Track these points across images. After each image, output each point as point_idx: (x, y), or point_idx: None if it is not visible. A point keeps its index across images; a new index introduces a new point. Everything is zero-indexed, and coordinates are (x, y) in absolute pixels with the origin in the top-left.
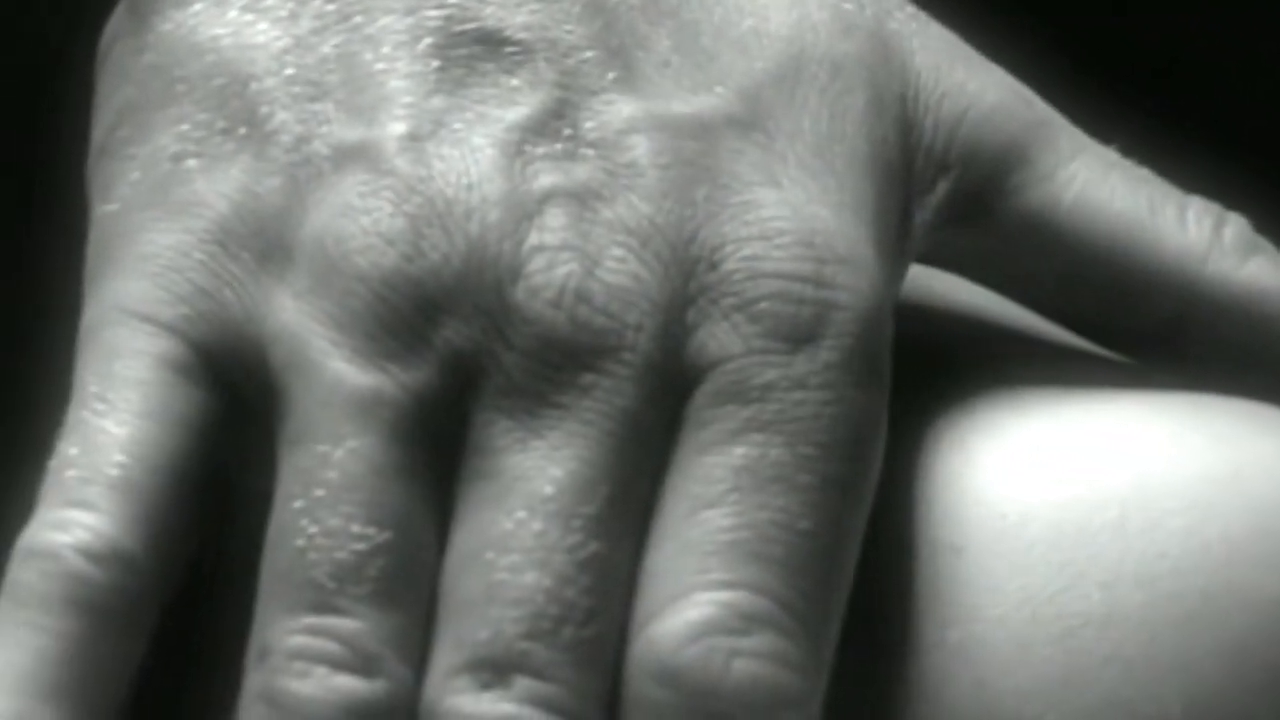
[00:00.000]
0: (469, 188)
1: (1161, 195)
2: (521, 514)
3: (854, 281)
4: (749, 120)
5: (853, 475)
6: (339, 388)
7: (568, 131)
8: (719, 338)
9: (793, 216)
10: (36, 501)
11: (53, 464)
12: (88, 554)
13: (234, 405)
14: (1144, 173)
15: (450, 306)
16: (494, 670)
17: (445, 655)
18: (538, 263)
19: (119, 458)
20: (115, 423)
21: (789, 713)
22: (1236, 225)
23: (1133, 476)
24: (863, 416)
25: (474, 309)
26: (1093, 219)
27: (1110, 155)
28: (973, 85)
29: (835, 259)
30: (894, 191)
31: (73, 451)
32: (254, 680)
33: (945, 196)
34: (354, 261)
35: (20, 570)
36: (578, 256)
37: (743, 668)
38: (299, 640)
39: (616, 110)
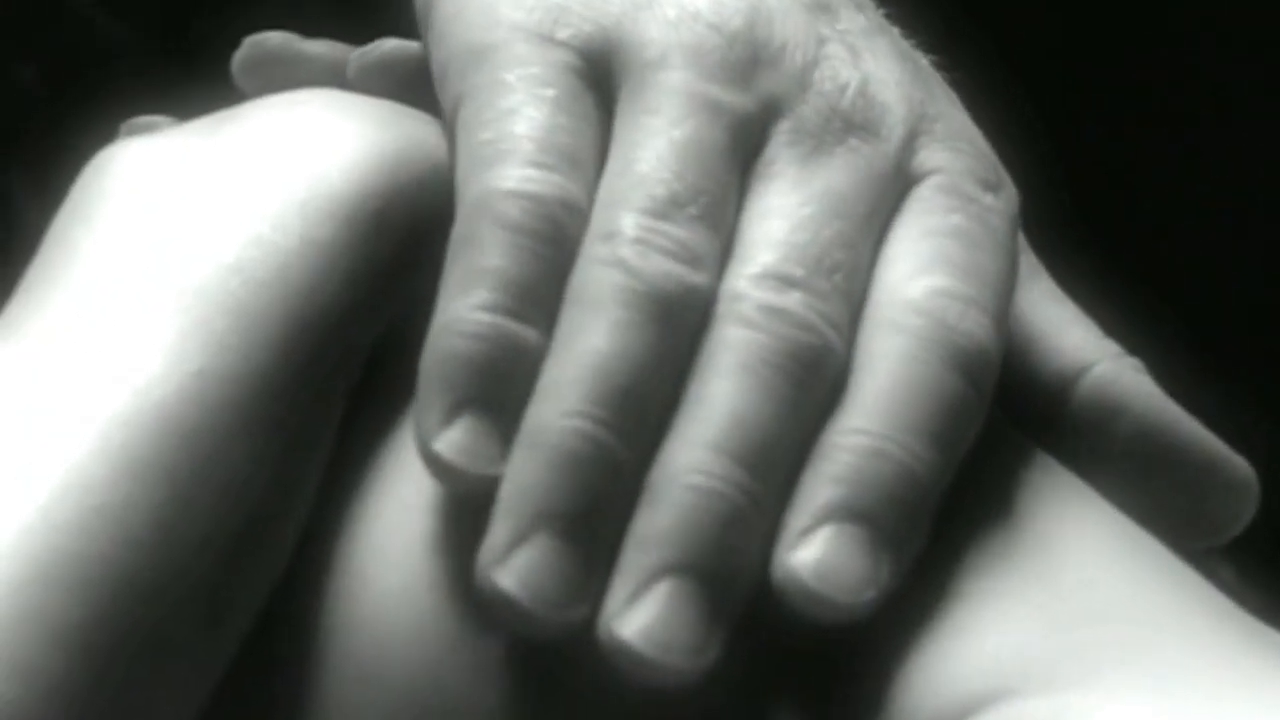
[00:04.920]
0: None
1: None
2: (797, 198)
3: (1010, 185)
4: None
5: (1013, 267)
6: (691, 86)
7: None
8: (938, 157)
9: (978, 135)
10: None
11: (485, 147)
12: (564, 204)
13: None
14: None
15: (771, 66)
16: (786, 282)
17: (747, 267)
18: (829, 68)
19: (561, 139)
20: (545, 113)
21: (990, 372)
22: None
23: None
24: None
25: (785, 74)
26: None
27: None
28: None
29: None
30: None
31: (514, 130)
32: (600, 251)
33: None
34: (708, 17)
35: (503, 203)
36: (855, 74)
37: (971, 320)
38: (644, 230)
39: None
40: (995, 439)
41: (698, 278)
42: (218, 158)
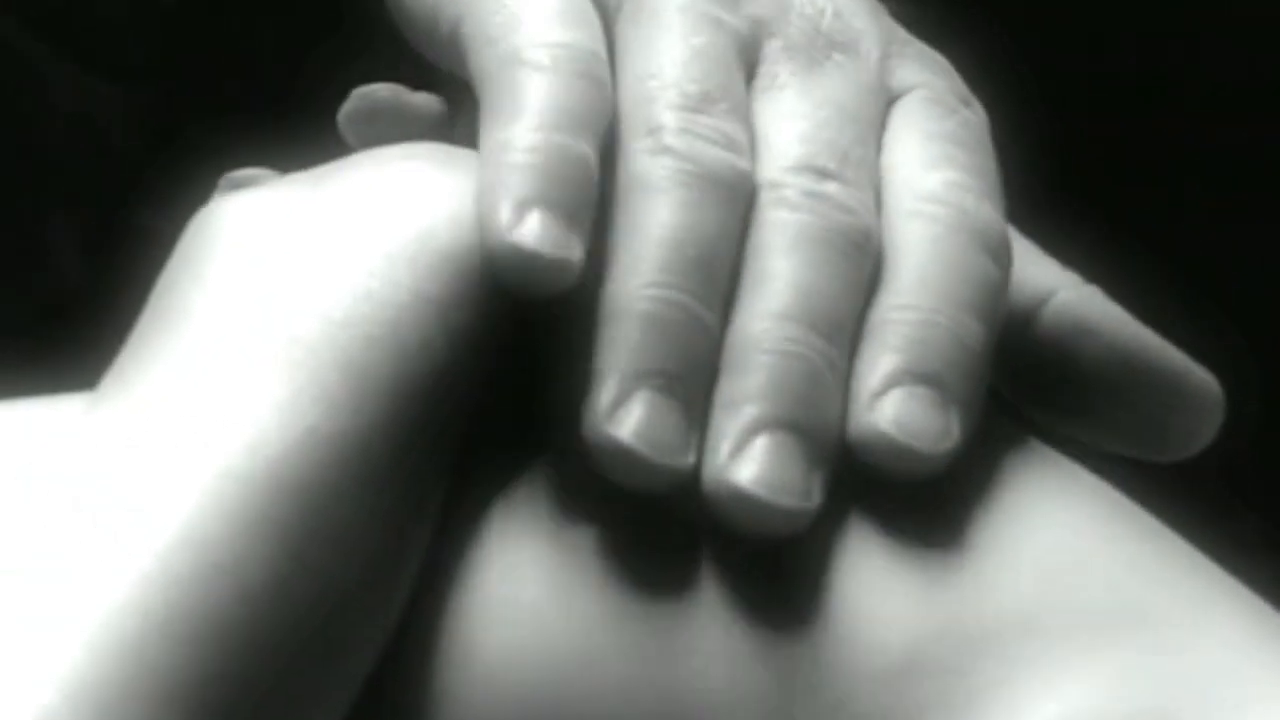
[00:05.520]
0: None
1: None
2: (810, 104)
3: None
4: None
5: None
6: (694, 4)
7: None
8: (916, 75)
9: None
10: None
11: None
12: (596, 55)
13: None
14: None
15: None
16: (821, 173)
17: (780, 160)
18: None
19: (574, 12)
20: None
21: (1008, 253)
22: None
23: None
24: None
25: (771, 2)
26: None
27: None
28: None
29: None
30: None
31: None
32: (646, 144)
33: None
34: None
35: (535, 52)
36: (828, 2)
37: (986, 208)
38: (686, 122)
39: None
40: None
41: (743, 164)
42: (325, 212)
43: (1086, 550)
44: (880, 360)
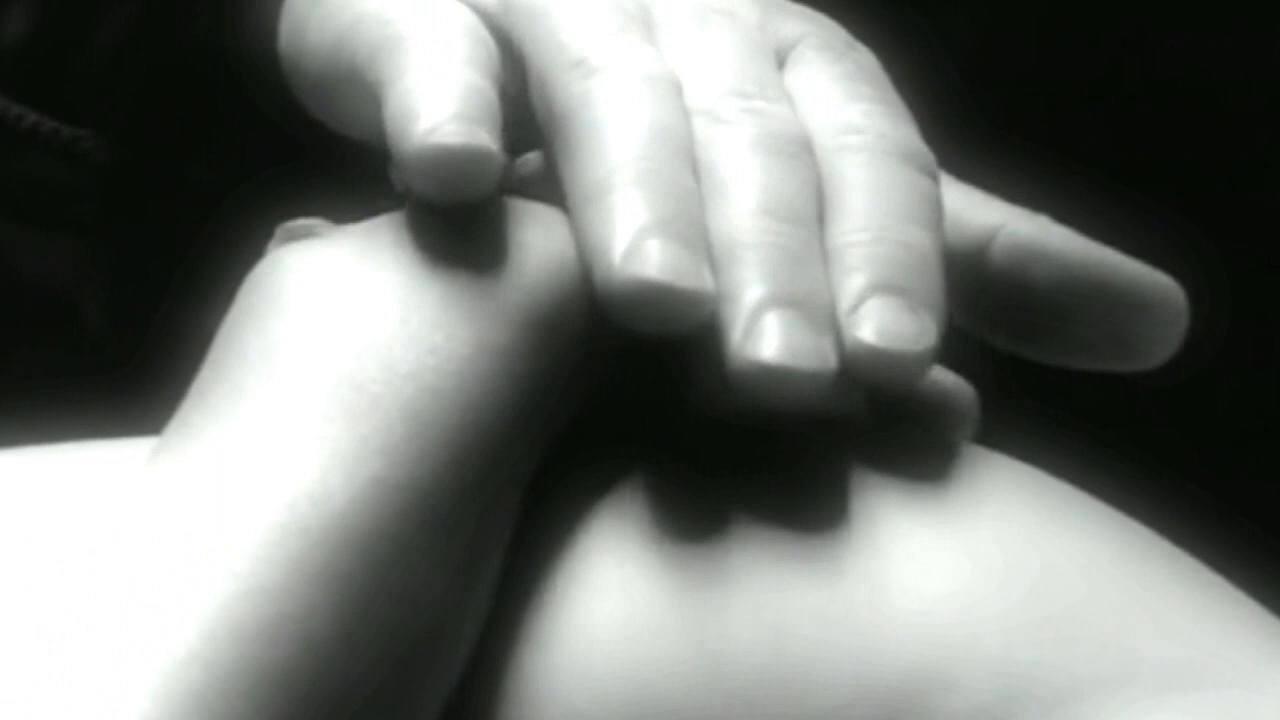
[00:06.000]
0: None
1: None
2: (716, 49)
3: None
4: None
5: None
6: None
7: None
8: (799, 27)
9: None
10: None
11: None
12: None
13: None
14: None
15: None
16: (745, 95)
17: (712, 88)
18: None
19: None
20: None
21: (935, 167)
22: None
23: None
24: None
25: None
26: None
27: None
28: None
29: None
30: None
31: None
32: (577, 72)
33: None
34: None
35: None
36: None
37: (904, 129)
38: (611, 51)
39: None
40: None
41: (669, 72)
42: (387, 264)
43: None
44: (846, 282)
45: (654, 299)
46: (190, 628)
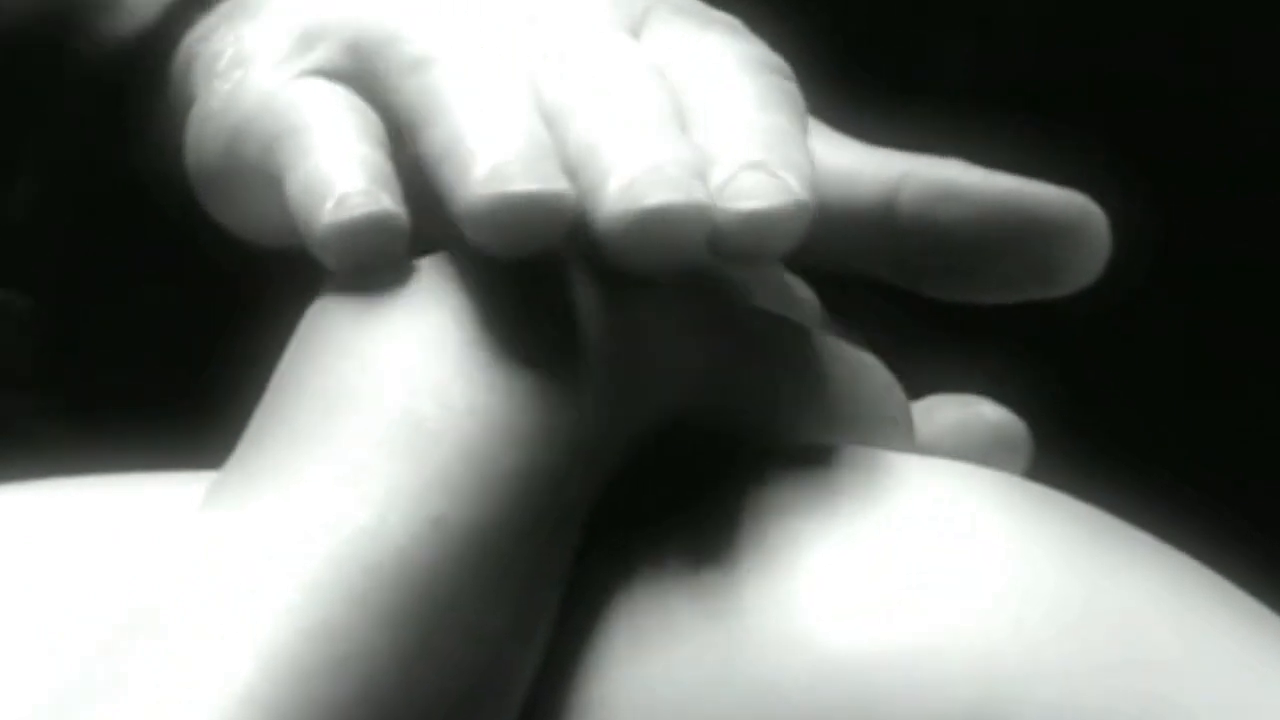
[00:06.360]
0: None
1: None
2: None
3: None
4: None
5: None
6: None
7: None
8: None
9: None
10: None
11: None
12: None
13: None
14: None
15: None
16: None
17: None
18: None
19: None
20: None
21: (789, 72)
22: None
23: None
24: None
25: None
26: None
27: None
28: None
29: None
30: None
31: None
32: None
33: None
34: None
35: None
36: None
37: (756, 43)
38: (447, 42)
39: None
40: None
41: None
42: (441, 301)
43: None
44: (711, 172)
45: (516, 208)
46: (250, 666)
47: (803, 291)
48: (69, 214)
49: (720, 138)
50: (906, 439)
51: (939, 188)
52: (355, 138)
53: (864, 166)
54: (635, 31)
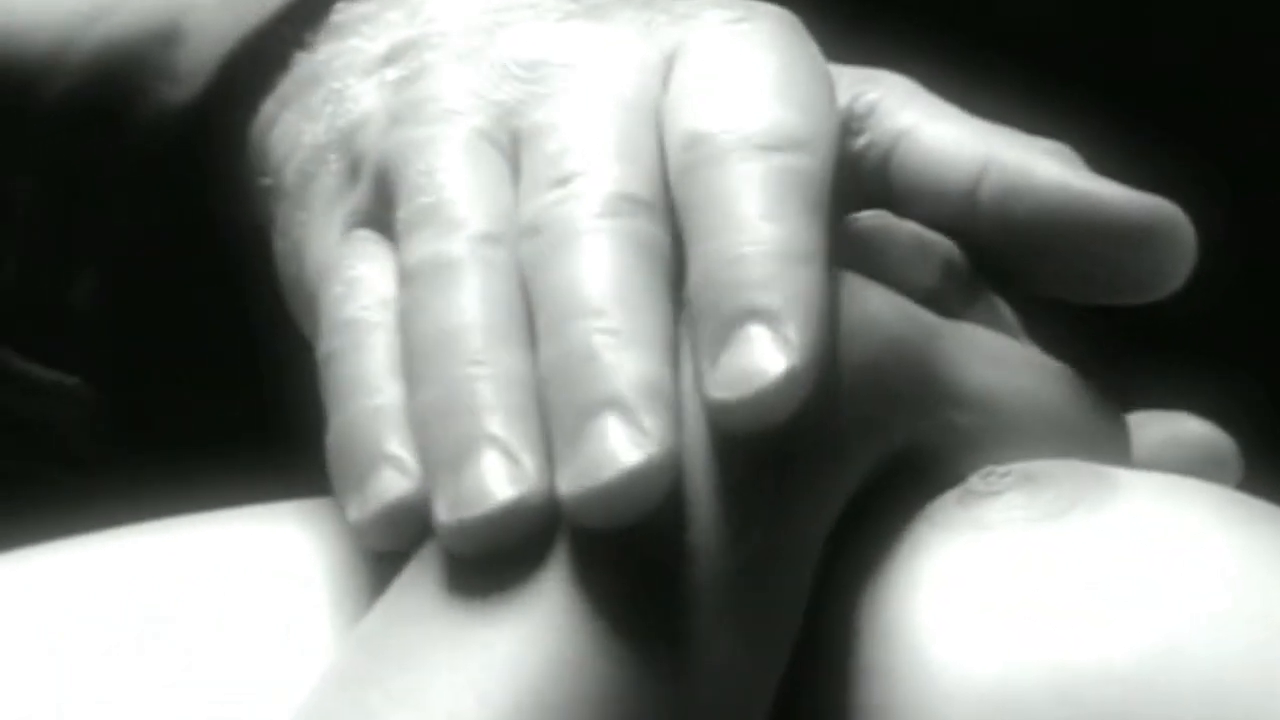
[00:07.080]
0: None
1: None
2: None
3: None
4: None
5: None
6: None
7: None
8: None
9: None
10: None
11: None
12: None
13: None
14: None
15: None
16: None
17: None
18: None
19: None
20: None
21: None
22: None
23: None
24: None
25: None
26: None
27: None
28: None
29: None
30: None
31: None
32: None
33: None
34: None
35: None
36: None
37: (751, 120)
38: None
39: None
40: None
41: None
42: None
43: None
44: (701, 334)
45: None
46: None
47: (1005, 310)
48: (132, 304)
49: (705, 287)
50: (1125, 454)
51: (1017, 180)
52: (388, 373)
53: (957, 148)
54: (670, 61)
